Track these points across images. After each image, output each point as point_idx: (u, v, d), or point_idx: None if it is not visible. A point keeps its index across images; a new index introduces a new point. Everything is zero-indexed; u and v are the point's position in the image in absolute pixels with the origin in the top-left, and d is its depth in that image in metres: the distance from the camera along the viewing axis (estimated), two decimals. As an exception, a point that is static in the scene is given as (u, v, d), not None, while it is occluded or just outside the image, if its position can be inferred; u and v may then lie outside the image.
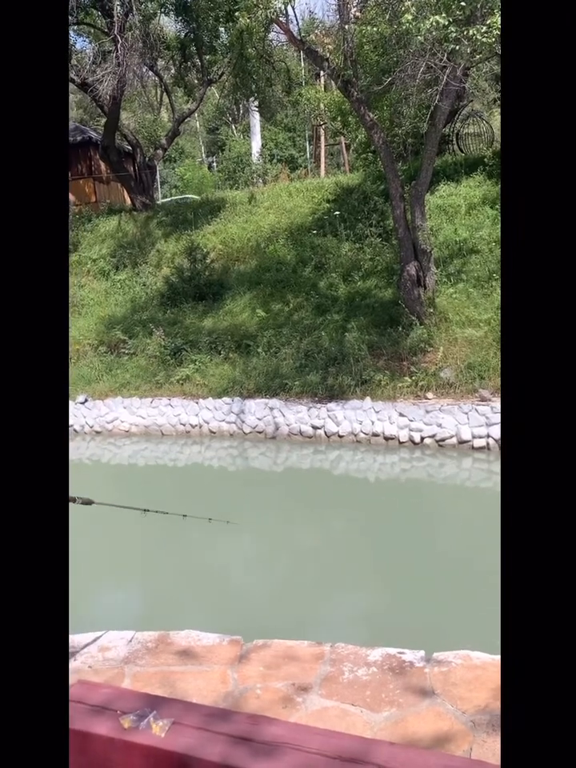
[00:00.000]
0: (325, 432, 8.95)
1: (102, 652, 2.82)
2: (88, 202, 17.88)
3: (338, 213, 12.86)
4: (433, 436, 8.20)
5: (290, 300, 11.63)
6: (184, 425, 10.05)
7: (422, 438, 8.26)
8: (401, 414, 8.50)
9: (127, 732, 1.73)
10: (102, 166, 17.85)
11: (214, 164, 27.90)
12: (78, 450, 9.92)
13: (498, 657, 2.61)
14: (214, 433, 9.79)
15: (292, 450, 8.99)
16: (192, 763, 1.62)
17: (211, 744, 1.66)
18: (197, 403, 10.09)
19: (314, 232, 12.92)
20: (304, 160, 26.16)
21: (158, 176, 20.67)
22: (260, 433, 9.40)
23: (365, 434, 8.68)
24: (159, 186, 22.79)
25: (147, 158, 17.15)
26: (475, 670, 2.53)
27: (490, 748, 2.06)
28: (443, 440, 8.13)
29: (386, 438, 8.52)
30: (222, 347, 10.84)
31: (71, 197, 18.07)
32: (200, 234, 14.29)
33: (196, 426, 9.97)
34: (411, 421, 8.39)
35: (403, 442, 8.39)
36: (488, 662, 2.57)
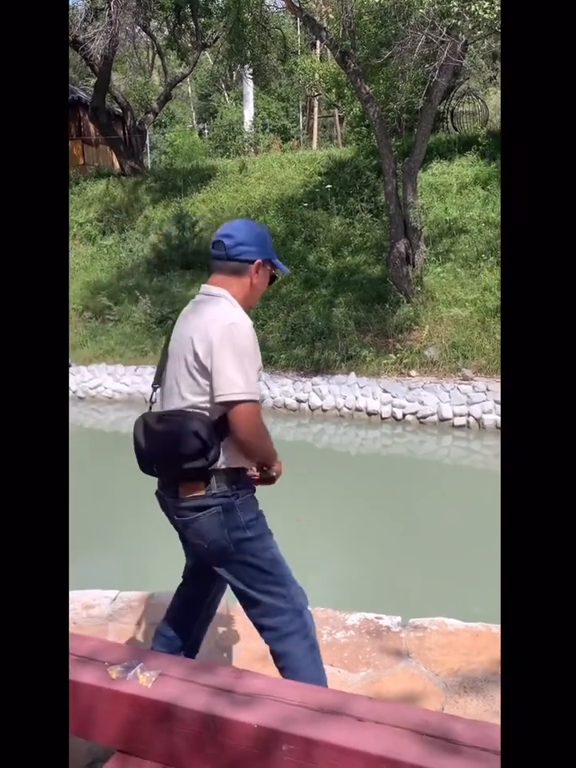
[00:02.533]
0: (309, 406, 9.01)
1: (86, 610, 2.87)
2: (76, 165, 17.55)
3: (329, 186, 12.78)
4: (415, 413, 8.29)
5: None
6: (168, 393, 10.05)
7: (404, 415, 8.35)
8: (384, 390, 8.58)
9: (114, 682, 1.79)
10: (91, 127, 17.50)
11: (205, 131, 27.44)
12: (60, 415, 9.89)
13: (471, 624, 2.71)
14: (198, 402, 9.80)
15: (276, 422, 9.04)
16: (176, 712, 1.68)
17: (195, 694, 1.72)
18: (181, 372, 10.08)
19: (305, 205, 12.83)
20: (297, 131, 25.83)
21: (147, 141, 20.30)
22: (244, 404, 9.43)
23: (348, 408, 8.75)
24: (148, 151, 22.37)
25: (137, 122, 16.84)
26: (449, 636, 2.62)
27: (462, 707, 2.15)
28: (424, 417, 8.22)
29: (369, 414, 8.59)
30: (209, 317, 10.79)
31: (58, 158, 17.72)
32: (189, 201, 14.13)
33: (180, 395, 9.97)
34: (394, 397, 8.47)
35: (385, 418, 8.47)
36: (461, 629, 2.66)
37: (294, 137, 24.88)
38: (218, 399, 1.78)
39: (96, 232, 14.12)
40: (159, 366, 2.00)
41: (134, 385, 10.24)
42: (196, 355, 1.80)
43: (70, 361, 10.74)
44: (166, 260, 12.41)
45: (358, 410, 8.67)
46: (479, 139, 12.65)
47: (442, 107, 15.21)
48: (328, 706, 1.66)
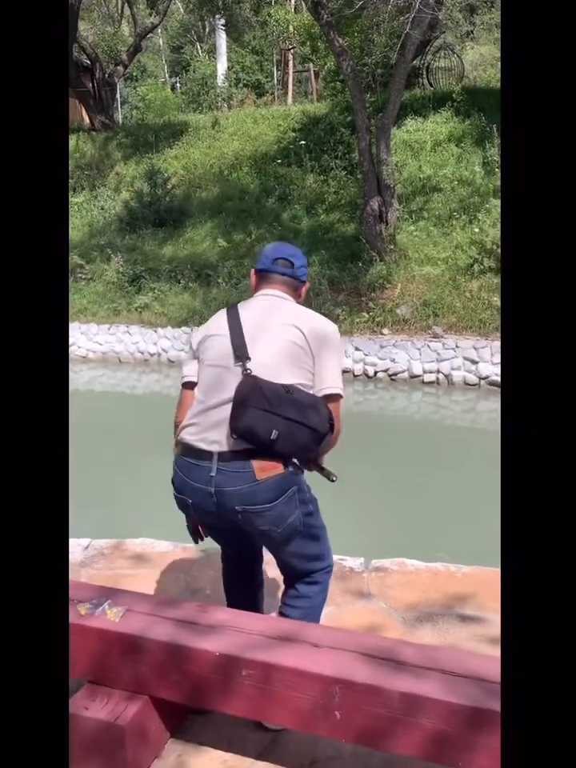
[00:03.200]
0: (282, 364, 9.05)
1: (58, 557, 2.93)
2: (43, 119, 17.00)
3: (303, 143, 12.60)
4: (386, 370, 8.40)
5: (252, 231, 11.48)
6: (142, 353, 10.03)
7: (376, 372, 8.46)
8: (357, 348, 8.65)
9: (84, 617, 1.86)
10: (58, 79, 16.91)
11: (178, 85, 26.69)
12: (33, 375, 9.83)
13: (431, 564, 2.83)
14: (173, 362, 9.79)
15: (249, 381, 9.09)
16: (142, 643, 1.77)
17: (160, 626, 1.81)
18: (155, 332, 10.05)
19: (279, 161, 12.66)
20: (271, 86, 25.27)
21: (118, 95, 19.69)
22: (218, 363, 9.45)
23: (321, 367, 8.81)
24: (119, 106, 21.73)
25: (107, 75, 16.33)
26: (409, 575, 2.74)
27: (417, 638, 2.27)
28: (395, 374, 8.34)
29: (342, 372, 8.66)
30: (182, 276, 10.71)
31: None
32: (161, 157, 13.85)
33: (154, 354, 9.96)
34: (366, 355, 8.56)
35: (357, 376, 8.57)
36: (421, 569, 2.79)
37: (268, 92, 24.35)
38: (325, 390, 1.89)
39: (66, 189, 13.80)
40: (236, 343, 1.91)
41: (107, 344, 10.19)
42: (306, 342, 1.88)
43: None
44: (138, 218, 12.21)
45: (331, 368, 8.74)
46: (454, 95, 12.49)
47: (419, 62, 14.97)
48: (286, 634, 1.75)
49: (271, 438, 1.76)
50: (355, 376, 8.59)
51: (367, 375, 8.51)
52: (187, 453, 1.89)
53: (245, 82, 24.81)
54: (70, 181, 13.91)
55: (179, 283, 10.66)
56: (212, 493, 1.82)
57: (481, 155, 11.34)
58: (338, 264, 10.05)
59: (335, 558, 2.86)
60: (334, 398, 1.91)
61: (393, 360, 8.37)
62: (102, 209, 13.12)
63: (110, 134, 15.19)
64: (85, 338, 10.29)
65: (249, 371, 1.84)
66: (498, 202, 9.69)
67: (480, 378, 7.94)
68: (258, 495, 1.81)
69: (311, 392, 1.88)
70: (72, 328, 10.40)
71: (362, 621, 2.38)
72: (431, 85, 15.00)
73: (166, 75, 29.75)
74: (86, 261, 11.49)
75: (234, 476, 1.81)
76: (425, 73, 15.21)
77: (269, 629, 1.77)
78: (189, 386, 2.00)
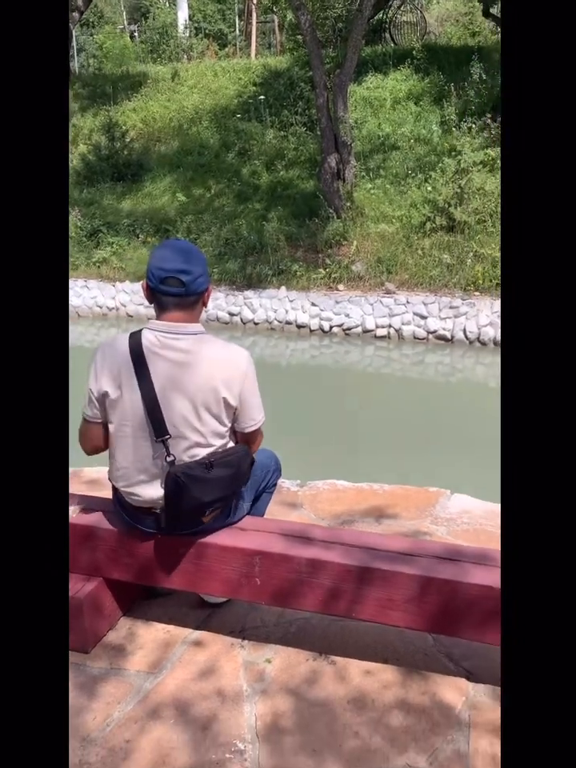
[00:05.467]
0: (241, 319, 9.31)
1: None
2: (-3, 66, 16.52)
3: (263, 97, 12.60)
4: (341, 325, 8.72)
5: (211, 186, 11.56)
6: (100, 307, 10.15)
7: (331, 327, 8.77)
8: (313, 304, 8.94)
9: (44, 513, 2.16)
10: (12, 25, 16.38)
11: (136, 33, 25.93)
12: (-8, 328, 9.88)
13: (359, 483, 3.19)
14: (132, 316, 9.95)
15: (208, 335, 9.32)
16: (95, 531, 2.08)
17: (111, 519, 2.12)
18: (113, 286, 10.16)
19: (239, 116, 12.66)
20: (234, 36, 24.77)
21: (74, 42, 19.15)
22: (177, 317, 9.63)
23: (279, 321, 9.10)
24: (76, 54, 21.10)
25: (62, 21, 15.88)
26: (338, 493, 3.10)
27: (337, 538, 2.63)
28: (350, 329, 8.67)
29: (298, 326, 8.98)
30: (141, 231, 10.78)
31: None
32: (119, 110, 13.70)
33: (113, 308, 10.09)
34: (322, 310, 8.86)
35: (314, 331, 8.88)
36: (349, 488, 3.15)
37: (230, 43, 23.89)
38: (252, 427, 1.94)
39: (22, 140, 13.56)
40: (150, 409, 1.84)
41: (67, 298, 10.26)
42: (226, 401, 1.85)
43: None
44: (96, 171, 12.15)
45: (287, 323, 9.04)
46: (414, 52, 12.60)
47: (383, 16, 14.92)
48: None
49: (204, 518, 1.94)
50: (311, 331, 8.90)
51: (322, 330, 8.82)
52: (129, 506, 2.01)
53: (206, 31, 24.25)
54: (27, 132, 13.67)
55: (138, 237, 10.74)
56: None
57: (439, 114, 11.54)
58: (296, 220, 10.24)
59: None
60: (257, 429, 1.98)
61: (347, 315, 8.68)
62: (60, 161, 12.96)
63: (67, 84, 14.89)
64: (44, 292, 10.34)
65: (171, 459, 1.84)
66: (451, 161, 9.95)
67: (428, 333, 8.33)
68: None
69: (235, 425, 1.94)
70: (31, 281, 10.42)
71: (292, 525, 2.73)
72: (394, 41, 14.99)
73: (125, 22, 28.80)
74: (45, 214, 11.43)
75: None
76: (389, 28, 15.16)
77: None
78: (93, 423, 1.96)
